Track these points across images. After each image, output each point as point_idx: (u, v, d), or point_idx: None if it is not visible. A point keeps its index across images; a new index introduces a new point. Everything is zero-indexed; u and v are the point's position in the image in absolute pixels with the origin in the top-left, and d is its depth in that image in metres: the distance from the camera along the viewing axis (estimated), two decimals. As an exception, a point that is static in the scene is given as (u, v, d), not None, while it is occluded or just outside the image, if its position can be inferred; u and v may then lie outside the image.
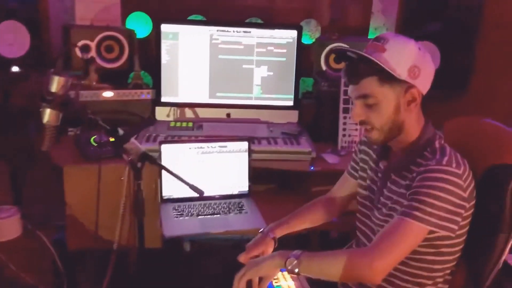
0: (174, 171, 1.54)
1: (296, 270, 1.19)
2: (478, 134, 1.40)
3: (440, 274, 1.32)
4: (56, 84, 1.26)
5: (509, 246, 1.26)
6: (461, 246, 1.30)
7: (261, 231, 1.54)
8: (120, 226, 1.94)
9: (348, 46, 1.40)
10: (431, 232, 1.21)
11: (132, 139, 1.40)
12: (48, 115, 1.30)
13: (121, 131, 1.38)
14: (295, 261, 1.19)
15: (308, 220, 1.60)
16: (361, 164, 1.53)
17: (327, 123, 2.28)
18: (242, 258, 1.45)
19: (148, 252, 1.64)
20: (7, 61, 1.99)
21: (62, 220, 1.97)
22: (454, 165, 1.21)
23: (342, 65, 2.31)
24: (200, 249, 2.40)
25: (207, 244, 2.47)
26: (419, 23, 2.36)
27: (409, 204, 1.21)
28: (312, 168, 1.99)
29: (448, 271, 1.33)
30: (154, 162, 1.48)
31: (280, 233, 1.53)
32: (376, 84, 1.25)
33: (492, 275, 1.27)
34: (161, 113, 2.28)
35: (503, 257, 1.26)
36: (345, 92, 2.19)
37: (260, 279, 1.31)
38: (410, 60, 1.24)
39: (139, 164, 1.45)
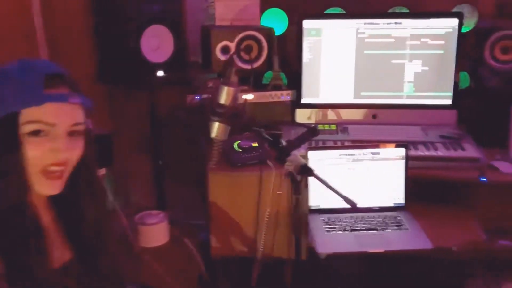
0: (324, 180, 1.38)
1: None
2: None
3: None
4: (225, 95, 1.17)
5: None
6: None
7: None
8: (265, 236, 1.84)
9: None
10: None
11: (294, 151, 1.26)
12: (217, 129, 1.21)
13: (284, 142, 1.25)
14: None
15: None
16: None
17: (493, 124, 1.96)
18: None
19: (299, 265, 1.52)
20: (153, 66, 1.98)
21: (204, 219, 1.92)
22: None
23: (508, 57, 2.00)
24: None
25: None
26: None
27: None
28: (484, 179, 1.71)
29: None
30: (314, 176, 1.33)
31: None
32: None
33: None
34: (301, 116, 2.14)
35: None
36: (520, 89, 1.86)
37: None
38: None
39: (298, 177, 1.32)
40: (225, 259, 1.96)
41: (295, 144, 1.28)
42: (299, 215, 1.35)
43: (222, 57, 2.07)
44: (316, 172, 1.36)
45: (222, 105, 1.18)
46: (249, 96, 2.04)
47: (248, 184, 1.79)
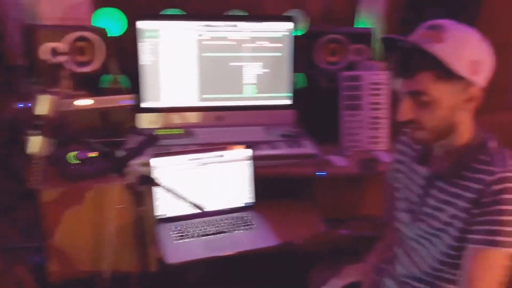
0: (170, 187, 1.33)
1: None
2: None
3: None
4: (45, 104, 1.02)
5: None
6: None
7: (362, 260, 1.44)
8: (110, 252, 1.70)
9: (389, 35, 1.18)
10: None
11: (133, 162, 1.18)
12: (36, 143, 1.06)
13: (120, 153, 1.15)
14: None
15: None
16: (397, 165, 1.36)
17: (327, 122, 2.10)
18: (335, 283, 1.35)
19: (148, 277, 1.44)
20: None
21: (41, 254, 1.71)
22: None
23: (336, 58, 2.17)
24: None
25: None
26: (418, 8, 2.20)
27: (485, 229, 1.06)
28: (321, 173, 1.81)
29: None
30: (157, 185, 1.26)
31: (379, 262, 1.42)
32: (432, 80, 1.07)
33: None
34: (144, 121, 2.04)
35: None
36: (347, 88, 2.03)
37: None
38: (472, 53, 1.06)
39: (140, 188, 1.23)
40: (67, 283, 1.78)
41: (133, 153, 1.20)
42: (144, 228, 1.26)
43: (49, 60, 1.87)
44: (159, 180, 1.29)
45: (41, 116, 1.03)
46: (85, 102, 1.88)
47: (88, 198, 1.64)
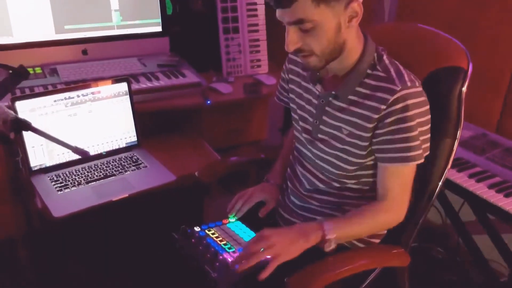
0: (47, 133, 1.15)
1: (331, 249, 1.13)
2: (409, 40, 1.31)
3: None
4: None
5: (454, 151, 1.24)
6: None
7: (265, 180, 1.42)
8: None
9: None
10: None
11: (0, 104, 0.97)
12: None
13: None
14: (331, 242, 1.12)
15: None
16: (290, 85, 1.34)
17: (205, 48, 2.01)
18: (244, 202, 1.33)
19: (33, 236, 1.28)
20: None
21: None
22: (417, 83, 1.11)
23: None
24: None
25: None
26: None
27: (397, 147, 1.10)
28: (208, 102, 1.74)
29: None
30: (32, 129, 1.07)
31: (281, 180, 1.41)
32: (311, 5, 1.02)
33: (440, 184, 1.25)
34: (-7, 61, 1.73)
35: (450, 163, 1.24)
36: (223, 10, 1.94)
37: None
38: None
39: (12, 135, 1.03)
40: None
41: None
42: (23, 181, 1.08)
43: None
44: (33, 125, 1.10)
45: None
46: None
47: None
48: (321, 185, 1.26)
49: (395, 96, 1.08)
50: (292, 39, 1.08)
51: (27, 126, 1.08)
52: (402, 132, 1.09)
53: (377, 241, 1.29)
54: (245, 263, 1.05)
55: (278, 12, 1.07)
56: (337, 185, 1.23)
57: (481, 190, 1.48)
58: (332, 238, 1.11)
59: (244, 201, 1.33)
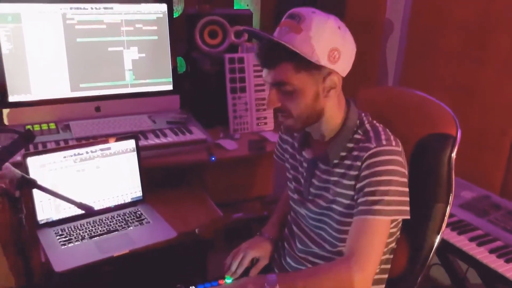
0: (51, 189, 1.21)
1: None
2: (399, 104, 1.36)
3: (384, 256, 1.27)
4: None
5: (447, 216, 1.25)
6: (399, 225, 1.26)
7: (258, 234, 1.42)
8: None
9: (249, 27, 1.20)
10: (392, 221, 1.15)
11: (7, 163, 1.03)
12: None
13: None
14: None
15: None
16: (285, 145, 1.39)
17: (213, 106, 2.08)
18: (243, 262, 1.34)
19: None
20: None
21: None
22: (393, 143, 1.15)
23: (217, 41, 2.14)
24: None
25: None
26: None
27: (365, 200, 1.12)
28: (213, 158, 1.79)
29: (388, 252, 1.28)
30: (38, 187, 1.13)
31: (276, 234, 1.42)
32: (292, 70, 1.10)
33: (434, 250, 1.26)
34: (12, 117, 1.83)
35: (442, 229, 1.25)
36: (231, 71, 2.02)
37: None
38: (330, 42, 1.09)
39: (17, 193, 1.09)
40: None
41: (6, 154, 1.05)
42: (26, 237, 1.12)
43: None
44: (39, 182, 1.16)
45: None
46: None
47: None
48: (314, 247, 1.28)
49: (369, 153, 1.12)
50: (272, 99, 1.15)
51: (33, 184, 1.14)
52: (371, 186, 1.11)
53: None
54: None
55: (264, 72, 1.15)
56: (329, 248, 1.25)
57: (482, 254, 1.48)
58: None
59: (238, 261, 1.34)
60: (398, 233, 1.27)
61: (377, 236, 1.12)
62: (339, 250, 1.23)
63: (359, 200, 1.13)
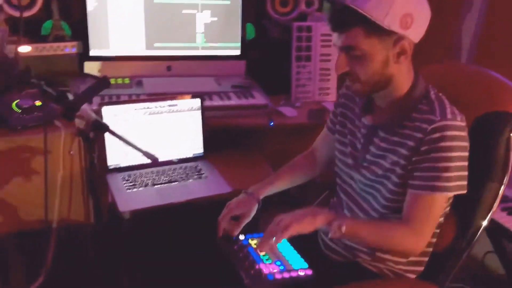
0: (123, 137, 1.32)
1: (337, 235, 1.15)
2: (466, 80, 1.34)
3: None
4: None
5: (499, 196, 1.23)
6: (450, 201, 1.26)
7: (244, 192, 1.42)
8: (59, 203, 1.68)
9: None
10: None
11: (84, 105, 1.15)
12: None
13: (70, 96, 1.12)
14: (340, 227, 1.13)
15: (291, 179, 1.50)
16: (339, 118, 1.41)
17: (278, 73, 2.13)
18: (222, 218, 1.35)
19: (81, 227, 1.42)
20: None
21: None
22: (458, 117, 1.14)
23: (288, 9, 2.17)
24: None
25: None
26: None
27: (425, 175, 1.14)
28: (271, 123, 1.85)
29: (436, 226, 1.29)
30: (109, 131, 1.25)
31: (263, 194, 1.42)
32: (363, 35, 1.11)
33: (481, 229, 1.25)
34: (90, 69, 1.98)
35: (493, 209, 1.23)
36: (298, 39, 2.05)
37: None
38: (403, 7, 1.09)
39: (91, 134, 1.21)
40: (15, 235, 1.75)
41: (84, 97, 1.17)
42: (96, 175, 1.25)
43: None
44: (111, 127, 1.27)
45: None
46: (25, 49, 1.79)
47: (34, 148, 1.59)
48: (360, 214, 1.31)
49: (433, 126, 1.12)
50: (341, 64, 1.17)
51: (105, 128, 1.26)
52: (434, 161, 1.12)
53: (413, 276, 1.30)
54: (263, 243, 1.14)
55: (334, 36, 1.17)
56: (374, 215, 1.27)
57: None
58: (340, 225, 1.13)
59: (222, 217, 1.36)
60: (448, 208, 1.27)
61: (433, 210, 1.16)
62: (385, 217, 1.25)
63: (418, 174, 1.15)
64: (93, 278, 1.65)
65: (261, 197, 1.40)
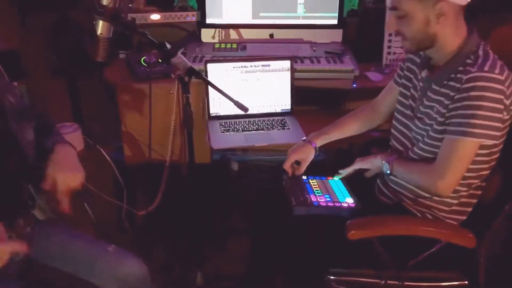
0: (216, 86, 1.62)
1: (388, 172, 1.42)
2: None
3: (475, 181, 1.36)
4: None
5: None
6: (496, 156, 1.33)
7: (302, 140, 1.63)
8: (172, 142, 2.09)
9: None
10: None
11: (179, 54, 1.48)
12: (101, 27, 1.39)
13: (168, 45, 1.46)
14: (389, 165, 1.41)
15: (349, 129, 1.67)
16: (406, 72, 1.54)
17: (371, 41, 2.25)
18: (285, 164, 1.58)
19: (198, 166, 1.76)
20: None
21: (119, 141, 2.14)
22: (497, 70, 1.22)
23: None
24: (246, 168, 2.56)
25: (253, 165, 2.61)
26: None
27: (454, 121, 1.25)
28: (354, 85, 2.01)
29: (480, 178, 1.37)
30: (200, 77, 1.56)
31: (320, 142, 1.63)
32: None
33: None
34: (206, 35, 2.34)
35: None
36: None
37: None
38: None
39: (186, 78, 1.54)
40: (139, 166, 2.20)
41: (177, 45, 1.49)
42: (189, 112, 1.58)
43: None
44: (203, 74, 1.58)
45: (103, 6, 1.35)
46: (155, 16, 2.20)
47: (154, 95, 2.00)
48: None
49: (468, 76, 1.22)
50: (391, 23, 1.33)
51: (199, 75, 1.58)
52: (463, 109, 1.22)
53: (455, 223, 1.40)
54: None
55: None
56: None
57: None
58: (392, 162, 1.41)
59: (285, 163, 1.59)
60: (494, 162, 1.34)
61: (457, 155, 1.26)
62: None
63: (452, 120, 1.26)
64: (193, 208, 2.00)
65: (317, 144, 1.62)
